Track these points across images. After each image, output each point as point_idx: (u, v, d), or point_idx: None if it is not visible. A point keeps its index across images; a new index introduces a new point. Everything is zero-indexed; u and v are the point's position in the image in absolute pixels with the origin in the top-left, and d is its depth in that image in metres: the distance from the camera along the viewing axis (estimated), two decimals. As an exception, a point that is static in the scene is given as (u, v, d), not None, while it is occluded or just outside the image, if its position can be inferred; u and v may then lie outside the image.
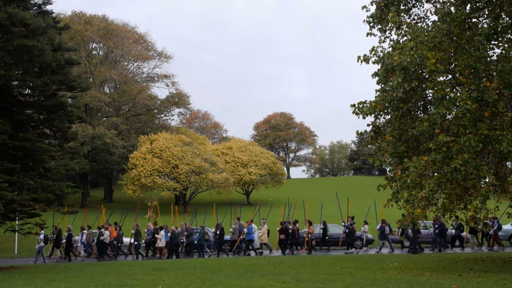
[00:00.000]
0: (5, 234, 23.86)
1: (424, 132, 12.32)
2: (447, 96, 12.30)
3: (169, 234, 22.64)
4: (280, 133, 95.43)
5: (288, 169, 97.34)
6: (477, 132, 11.61)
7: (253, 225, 23.04)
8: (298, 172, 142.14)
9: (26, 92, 19.30)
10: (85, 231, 23.85)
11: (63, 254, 23.71)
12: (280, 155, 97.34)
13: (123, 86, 57.19)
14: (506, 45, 12.98)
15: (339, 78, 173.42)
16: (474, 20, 13.71)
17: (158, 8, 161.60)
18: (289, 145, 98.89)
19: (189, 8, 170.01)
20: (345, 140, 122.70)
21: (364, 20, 15.58)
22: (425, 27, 13.54)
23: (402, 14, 15.19)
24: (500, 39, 13.10)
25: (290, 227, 23.38)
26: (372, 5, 15.42)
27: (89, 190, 58.57)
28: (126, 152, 51.63)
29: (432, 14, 14.63)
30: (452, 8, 13.34)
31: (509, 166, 14.69)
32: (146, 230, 23.73)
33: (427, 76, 12.81)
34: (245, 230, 23.00)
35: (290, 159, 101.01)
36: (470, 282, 10.58)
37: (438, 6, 14.35)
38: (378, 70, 13.56)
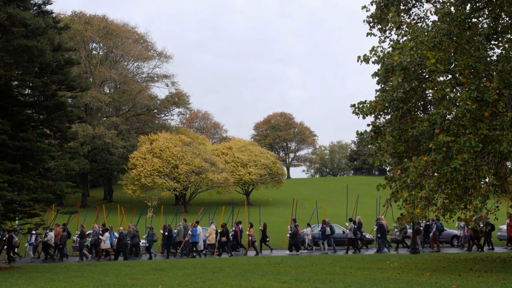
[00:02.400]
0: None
1: (424, 132, 12.31)
2: (447, 96, 12.29)
3: (116, 235, 22.52)
4: (280, 133, 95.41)
5: (288, 169, 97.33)
6: (477, 132, 11.61)
7: (199, 227, 22.91)
8: (298, 172, 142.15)
9: (26, 92, 19.29)
10: (33, 232, 22.86)
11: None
12: (280, 155, 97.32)
13: (123, 86, 57.21)
14: (506, 45, 12.97)
15: (339, 78, 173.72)
16: (474, 20, 13.71)
17: (157, 8, 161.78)
18: (289, 145, 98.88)
19: (188, 9, 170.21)
20: (345, 140, 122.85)
21: (364, 20, 15.59)
22: (425, 27, 13.54)
23: (402, 14, 15.19)
24: (500, 39, 13.10)
25: (233, 228, 23.58)
26: (372, 5, 15.43)
27: (89, 190, 58.59)
28: (126, 152, 51.67)
29: (432, 14, 14.64)
30: (452, 8, 13.34)
31: (509, 166, 14.69)
32: (91, 231, 23.36)
33: (427, 76, 12.81)
34: (190, 232, 22.85)
35: (290, 159, 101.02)
36: (470, 282, 10.58)
37: (438, 6, 14.36)
38: (378, 70, 13.55)
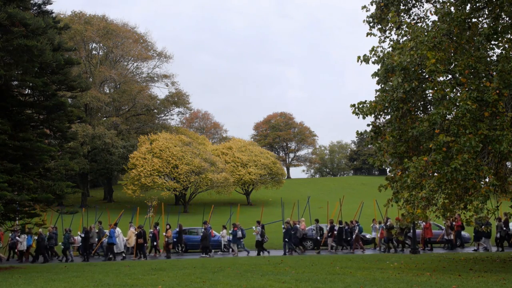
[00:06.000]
0: (5, 234, 23.79)
1: (424, 132, 12.32)
2: (447, 96, 12.30)
3: (35, 237, 22.32)
4: (280, 133, 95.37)
5: (288, 169, 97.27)
6: (477, 132, 11.62)
7: (117, 229, 22.84)
8: (298, 172, 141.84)
9: (26, 92, 19.30)
10: None
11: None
12: (280, 155, 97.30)
13: (123, 86, 57.19)
14: (506, 45, 12.97)
15: (338, 78, 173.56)
16: (474, 20, 13.72)
17: (157, 8, 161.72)
18: (289, 145, 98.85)
19: (187, 9, 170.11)
20: (345, 140, 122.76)
21: (364, 20, 15.60)
22: (425, 27, 13.54)
23: (402, 14, 15.19)
24: (500, 39, 13.10)
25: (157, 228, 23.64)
26: (372, 5, 15.43)
27: (89, 190, 58.56)
28: (126, 152, 51.62)
29: (432, 14, 14.63)
30: (452, 8, 13.34)
31: (509, 166, 14.70)
32: (10, 234, 23.08)
33: (427, 76, 12.81)
34: (107, 233, 22.71)
35: (290, 159, 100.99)
36: (470, 282, 10.59)
37: (438, 6, 14.35)
38: (378, 70, 13.56)
